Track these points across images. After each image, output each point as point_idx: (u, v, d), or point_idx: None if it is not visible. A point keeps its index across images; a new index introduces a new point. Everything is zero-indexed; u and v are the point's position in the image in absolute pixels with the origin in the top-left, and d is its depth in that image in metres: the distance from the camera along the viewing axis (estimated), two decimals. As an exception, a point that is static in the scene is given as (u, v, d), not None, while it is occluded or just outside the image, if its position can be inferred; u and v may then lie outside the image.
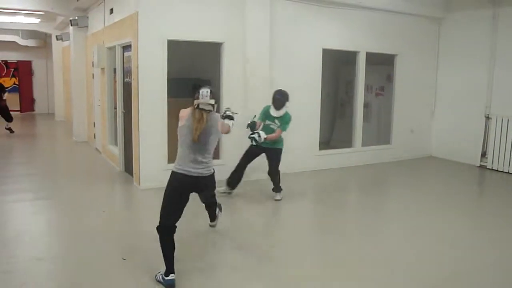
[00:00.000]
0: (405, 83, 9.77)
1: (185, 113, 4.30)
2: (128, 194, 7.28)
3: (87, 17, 10.83)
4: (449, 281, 4.39)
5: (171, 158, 7.25)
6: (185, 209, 4.29)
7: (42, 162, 9.47)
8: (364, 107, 9.49)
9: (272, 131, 6.60)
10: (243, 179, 6.96)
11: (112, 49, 8.68)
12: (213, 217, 5.35)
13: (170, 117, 7.19)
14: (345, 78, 10.92)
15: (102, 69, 9.32)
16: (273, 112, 6.66)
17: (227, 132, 4.68)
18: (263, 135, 6.42)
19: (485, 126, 9.56)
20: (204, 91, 4.23)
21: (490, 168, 9.37)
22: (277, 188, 6.87)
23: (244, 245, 5.25)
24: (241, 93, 7.72)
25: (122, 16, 7.80)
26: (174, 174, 4.31)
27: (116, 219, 6.04)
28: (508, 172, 9.03)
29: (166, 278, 4.04)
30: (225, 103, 7.49)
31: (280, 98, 6.61)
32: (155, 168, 7.14)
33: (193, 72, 8.57)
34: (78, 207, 6.39)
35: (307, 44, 8.41)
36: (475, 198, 7.94)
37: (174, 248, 4.17)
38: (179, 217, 4.26)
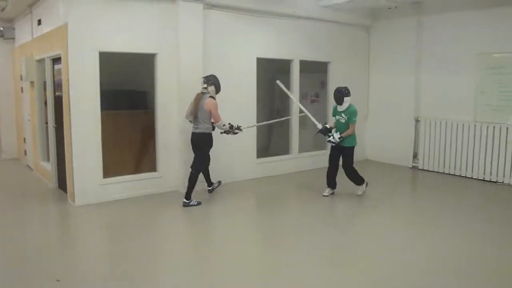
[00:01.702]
0: (339, 90, 10.04)
1: None
2: (62, 212, 6.98)
3: (14, 28, 10.40)
4: (389, 278, 4.55)
5: (108, 173, 7.14)
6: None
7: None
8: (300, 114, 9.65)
9: (341, 124, 7.30)
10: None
11: (41, 61, 8.37)
12: (209, 183, 7.53)
13: (105, 131, 7.05)
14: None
15: (32, 82, 8.96)
16: (339, 107, 7.37)
17: (216, 120, 6.88)
18: (336, 135, 7.19)
19: (415, 128, 9.99)
20: (202, 80, 6.92)
21: (422, 168, 9.80)
22: (357, 182, 7.53)
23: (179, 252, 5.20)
24: (175, 105, 7.67)
25: (51, 28, 7.55)
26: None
27: (48, 239, 5.80)
28: (438, 172, 9.48)
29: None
30: (160, 116, 7.48)
31: (337, 95, 7.32)
32: (90, 184, 6.96)
33: (128, 84, 8.42)
34: (8, 227, 6.10)
35: (241, 54, 8.47)
36: (408, 197, 8.26)
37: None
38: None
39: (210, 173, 7.53)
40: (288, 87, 9.49)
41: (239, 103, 8.42)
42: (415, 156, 10.06)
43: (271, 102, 11.62)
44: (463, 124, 9.02)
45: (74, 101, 6.78)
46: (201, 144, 6.94)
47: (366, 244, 5.56)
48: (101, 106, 6.99)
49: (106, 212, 6.73)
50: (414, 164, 10.03)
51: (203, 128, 6.88)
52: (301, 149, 9.64)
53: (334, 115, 7.50)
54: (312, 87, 10.60)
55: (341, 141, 7.18)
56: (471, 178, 8.89)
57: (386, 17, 10.29)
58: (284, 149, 9.64)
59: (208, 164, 7.32)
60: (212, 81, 6.90)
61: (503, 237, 5.73)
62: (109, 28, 6.99)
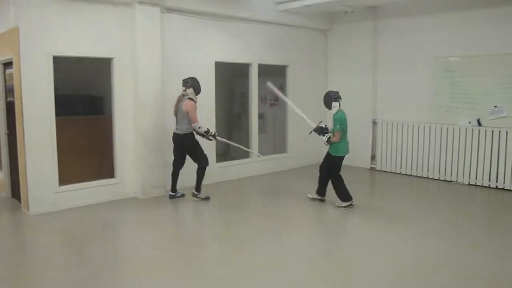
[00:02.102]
0: (297, 93, 10.12)
1: None
2: (15, 221, 6.73)
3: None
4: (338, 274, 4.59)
5: (64, 180, 6.95)
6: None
7: None
8: (259, 118, 9.71)
9: (333, 131, 6.89)
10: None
11: (-9, 66, 8.07)
12: (174, 188, 7.54)
13: (61, 137, 6.87)
14: (240, 90, 11.08)
15: (-19, 88, 8.62)
16: (328, 113, 7.15)
17: (192, 121, 7.09)
18: (324, 139, 6.91)
19: (373, 130, 10.18)
20: (182, 83, 7.17)
21: (380, 169, 9.99)
22: (340, 197, 7.00)
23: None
24: (133, 111, 7.57)
25: (1, 31, 7.30)
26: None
27: (1, 248, 5.59)
28: (395, 172, 9.69)
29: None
30: (118, 121, 7.37)
31: (326, 99, 6.99)
32: (45, 192, 6.76)
33: (85, 88, 8.21)
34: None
35: (200, 58, 8.42)
36: (366, 197, 8.39)
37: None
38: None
39: (178, 180, 7.58)
40: (246, 90, 9.53)
41: (198, 107, 8.34)
42: (373, 157, 10.24)
43: (231, 106, 11.61)
44: (419, 126, 9.25)
45: (27, 107, 6.58)
46: (187, 144, 7.29)
47: (320, 243, 5.61)
48: (56, 111, 6.81)
49: (62, 221, 6.54)
50: (372, 166, 10.22)
51: (183, 129, 7.20)
52: (262, 153, 9.63)
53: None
54: (271, 91, 10.62)
55: (328, 145, 6.96)
56: (427, 178, 9.11)
57: (343, 21, 10.46)
58: (244, 153, 9.63)
59: (178, 168, 7.48)
60: (190, 83, 7.17)
61: (455, 235, 5.89)
62: (63, 31, 6.82)
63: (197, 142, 7.36)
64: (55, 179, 6.86)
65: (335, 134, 6.79)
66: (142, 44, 7.46)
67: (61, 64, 6.89)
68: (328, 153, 7.03)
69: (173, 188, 7.55)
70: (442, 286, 4.39)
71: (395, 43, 9.67)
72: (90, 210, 6.95)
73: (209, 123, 8.55)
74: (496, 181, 8.31)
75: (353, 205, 6.95)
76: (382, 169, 9.96)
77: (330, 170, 7.00)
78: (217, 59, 8.65)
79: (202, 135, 7.32)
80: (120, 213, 6.98)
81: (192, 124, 7.15)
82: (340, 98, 6.91)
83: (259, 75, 9.41)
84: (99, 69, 7.63)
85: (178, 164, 7.48)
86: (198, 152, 7.36)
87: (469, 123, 8.57)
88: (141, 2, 7.32)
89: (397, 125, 9.66)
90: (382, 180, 9.44)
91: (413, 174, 9.44)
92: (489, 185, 8.36)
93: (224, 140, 7.89)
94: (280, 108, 10.52)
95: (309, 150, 10.52)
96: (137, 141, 7.57)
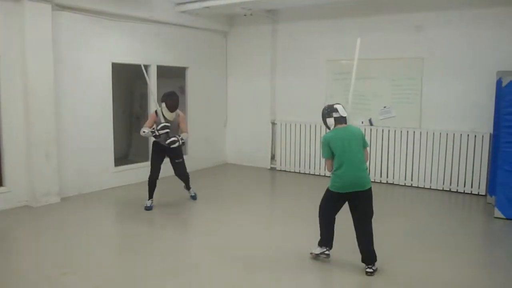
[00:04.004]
0: (198, 95, 10.12)
1: None
2: None
3: None
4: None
5: None
6: None
7: None
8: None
9: None
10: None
11: None
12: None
13: None
14: (139, 91, 10.85)
15: None
16: None
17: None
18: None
19: (272, 131, 10.43)
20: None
21: (279, 169, 10.28)
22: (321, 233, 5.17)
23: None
24: (22, 114, 7.12)
25: None
26: None
27: None
28: (294, 172, 10.03)
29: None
30: (5, 126, 6.92)
31: (321, 117, 5.16)
32: None
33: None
34: None
35: (96, 59, 8.10)
36: (267, 195, 8.62)
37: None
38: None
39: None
40: (145, 92, 9.33)
41: (95, 109, 8.10)
42: (273, 157, 10.50)
43: (131, 108, 11.33)
44: (315, 126, 9.63)
45: None
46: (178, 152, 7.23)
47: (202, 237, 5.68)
48: None
49: None
50: (272, 166, 10.47)
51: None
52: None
53: None
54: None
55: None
56: (325, 176, 9.50)
57: (242, 23, 10.60)
58: (145, 156, 9.42)
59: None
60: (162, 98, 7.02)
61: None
62: None
63: (153, 150, 7.30)
64: None
65: (326, 162, 5.09)
66: (32, 43, 7.01)
67: None
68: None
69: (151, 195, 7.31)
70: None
71: (292, 46, 9.99)
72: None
73: (106, 124, 8.32)
74: (387, 177, 8.92)
75: (328, 254, 5.16)
76: (281, 169, 10.24)
77: (321, 206, 5.12)
78: (114, 60, 8.37)
79: (155, 137, 7.03)
80: (10, 222, 6.54)
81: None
82: (337, 111, 5.00)
83: (159, 76, 9.25)
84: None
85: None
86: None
87: (362, 122, 9.08)
88: (29, -2, 6.90)
89: (295, 125, 10.00)
90: (279, 179, 9.75)
91: (311, 173, 9.81)
92: (381, 180, 8.95)
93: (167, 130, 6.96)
94: (181, 110, 10.38)
95: (210, 152, 10.56)
96: (31, 146, 7.14)
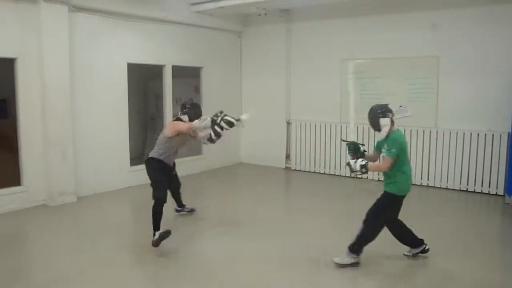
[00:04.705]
0: (212, 94, 10.13)
1: None
2: None
3: None
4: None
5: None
6: None
7: None
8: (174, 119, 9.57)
9: None
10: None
11: None
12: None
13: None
14: (154, 91, 10.90)
15: None
16: (378, 136, 4.95)
17: (183, 129, 5.81)
18: (359, 162, 4.84)
19: (287, 131, 10.41)
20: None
21: (294, 169, 10.24)
22: (351, 247, 4.91)
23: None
24: (40, 114, 7.20)
25: None
26: None
27: None
28: (309, 171, 9.99)
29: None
30: (23, 125, 6.99)
31: (371, 116, 4.86)
32: None
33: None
34: None
35: (111, 59, 8.16)
36: (282, 193, 8.60)
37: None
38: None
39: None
40: (161, 92, 9.38)
41: (110, 109, 8.15)
42: (287, 157, 10.48)
43: (146, 108, 11.39)
44: (331, 125, 9.58)
45: None
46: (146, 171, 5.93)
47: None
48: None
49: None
50: (287, 165, 10.44)
51: (157, 152, 5.93)
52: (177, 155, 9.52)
53: (377, 149, 5.09)
54: (186, 92, 10.56)
55: (363, 172, 4.88)
56: (340, 175, 9.44)
57: (257, 23, 10.59)
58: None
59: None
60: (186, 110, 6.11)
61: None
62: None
63: (152, 168, 5.88)
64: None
65: (385, 161, 4.80)
66: (49, 44, 7.10)
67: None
68: (384, 193, 4.96)
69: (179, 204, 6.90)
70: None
71: (307, 45, 9.95)
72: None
73: (122, 124, 8.37)
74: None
75: (428, 250, 5.20)
76: (296, 168, 10.21)
77: (378, 213, 4.91)
78: (129, 60, 8.42)
79: (213, 127, 5.77)
80: (25, 223, 6.62)
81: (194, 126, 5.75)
82: (391, 112, 4.84)
83: (173, 76, 9.29)
84: (1, 70, 7.19)
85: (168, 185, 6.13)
86: (151, 180, 5.82)
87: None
88: (46, -1, 6.98)
89: (310, 125, 9.95)
90: (294, 178, 9.73)
91: (326, 173, 9.76)
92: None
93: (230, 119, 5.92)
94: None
95: (225, 151, 10.56)
96: (48, 145, 7.22)
